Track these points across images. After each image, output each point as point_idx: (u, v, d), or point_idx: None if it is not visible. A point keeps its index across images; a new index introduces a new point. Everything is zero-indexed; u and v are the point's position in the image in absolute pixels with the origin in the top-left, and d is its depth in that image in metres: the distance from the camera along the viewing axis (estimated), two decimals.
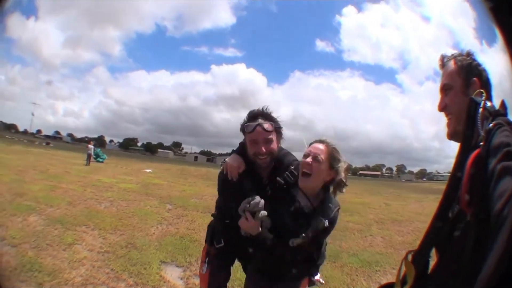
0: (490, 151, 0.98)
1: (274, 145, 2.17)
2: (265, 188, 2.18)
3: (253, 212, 1.98)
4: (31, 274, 3.89)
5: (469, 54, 1.40)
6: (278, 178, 2.13)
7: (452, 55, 1.43)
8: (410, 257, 1.25)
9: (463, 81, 1.35)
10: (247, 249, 2.18)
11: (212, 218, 2.50)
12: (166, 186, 14.35)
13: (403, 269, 1.25)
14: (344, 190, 2.18)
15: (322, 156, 2.05)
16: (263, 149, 2.12)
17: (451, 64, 1.41)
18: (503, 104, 1.21)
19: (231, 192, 2.16)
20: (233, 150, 2.29)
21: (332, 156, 2.08)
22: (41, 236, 5.31)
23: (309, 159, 2.05)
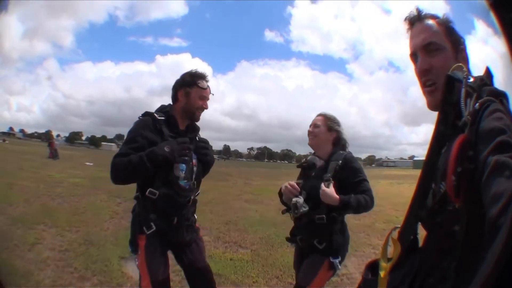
0: (479, 137, 0.92)
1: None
2: (181, 135, 2.43)
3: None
4: (10, 278, 3.76)
5: (449, 20, 1.25)
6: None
7: (429, 14, 1.27)
8: (395, 233, 1.23)
9: (452, 45, 1.22)
10: (180, 232, 2.43)
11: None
12: None
13: (390, 245, 1.24)
14: (347, 145, 2.78)
15: (319, 123, 2.71)
16: (207, 104, 2.52)
17: (432, 22, 1.24)
18: (487, 70, 1.11)
19: (150, 135, 2.31)
20: (146, 112, 2.42)
21: (329, 121, 2.72)
22: (8, 237, 5.40)
23: (310, 128, 2.73)
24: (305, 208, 2.44)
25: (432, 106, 1.23)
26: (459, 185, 0.90)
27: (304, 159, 2.86)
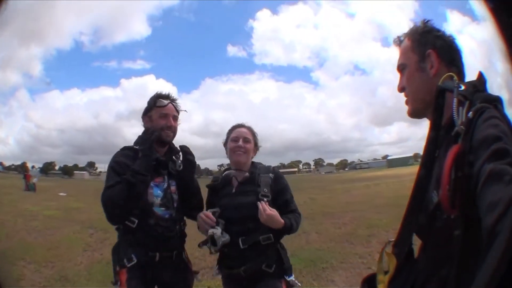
0: (474, 146, 0.91)
1: (177, 124, 2.44)
2: (161, 166, 2.35)
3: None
4: None
5: (424, 23, 1.29)
6: (174, 157, 2.43)
7: (407, 32, 1.33)
8: (390, 247, 1.21)
9: (417, 56, 1.25)
10: (164, 271, 2.23)
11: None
12: (86, 209, 13.98)
13: (385, 259, 1.23)
14: None
15: (249, 137, 2.45)
16: (172, 122, 2.37)
17: (406, 41, 1.31)
18: (480, 75, 1.10)
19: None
20: (125, 147, 2.38)
21: (254, 137, 2.50)
22: None
23: (240, 142, 2.40)
24: (225, 238, 2.17)
25: (409, 114, 1.33)
26: (454, 197, 0.88)
27: (214, 178, 2.56)
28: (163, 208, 2.28)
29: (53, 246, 7.77)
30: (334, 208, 12.22)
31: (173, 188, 2.38)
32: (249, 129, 2.51)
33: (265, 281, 2.23)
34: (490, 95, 1.04)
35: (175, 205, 2.35)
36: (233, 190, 2.38)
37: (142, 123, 2.44)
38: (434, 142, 1.09)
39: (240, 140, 2.42)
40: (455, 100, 1.01)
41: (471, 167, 0.88)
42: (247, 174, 2.39)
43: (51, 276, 5.60)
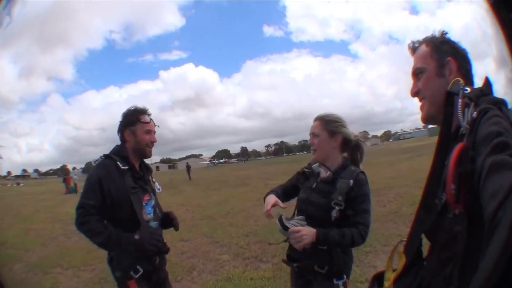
0: (476, 143, 0.94)
1: None
2: (143, 181, 2.43)
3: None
4: None
5: (442, 34, 1.33)
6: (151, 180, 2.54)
7: (423, 38, 1.36)
8: (401, 246, 1.27)
9: (436, 62, 1.28)
10: (162, 269, 2.48)
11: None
12: None
13: (396, 258, 1.29)
14: (363, 150, 2.37)
15: (317, 130, 2.22)
16: (155, 138, 2.48)
17: (423, 47, 1.34)
18: (487, 81, 1.13)
19: (119, 190, 2.25)
20: (108, 157, 2.35)
21: (327, 125, 2.22)
22: (26, 284, 5.35)
23: (310, 140, 2.28)
24: (300, 220, 2.12)
25: (422, 119, 1.36)
26: (458, 193, 0.91)
27: (308, 165, 2.41)
28: (155, 222, 2.42)
29: (93, 248, 7.59)
30: (379, 184, 11.63)
31: (153, 201, 2.48)
32: (320, 119, 2.29)
33: (318, 281, 2.22)
34: (496, 98, 1.06)
35: (159, 215, 2.50)
36: (314, 185, 2.28)
37: (120, 136, 2.46)
38: (444, 149, 1.11)
39: (310, 136, 2.31)
40: (460, 101, 1.06)
41: (474, 162, 0.91)
42: (329, 173, 2.23)
43: (90, 280, 5.46)
